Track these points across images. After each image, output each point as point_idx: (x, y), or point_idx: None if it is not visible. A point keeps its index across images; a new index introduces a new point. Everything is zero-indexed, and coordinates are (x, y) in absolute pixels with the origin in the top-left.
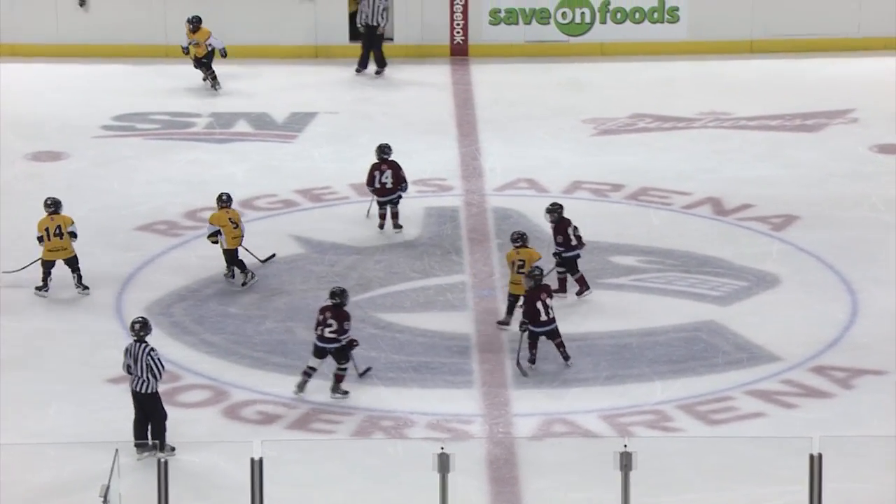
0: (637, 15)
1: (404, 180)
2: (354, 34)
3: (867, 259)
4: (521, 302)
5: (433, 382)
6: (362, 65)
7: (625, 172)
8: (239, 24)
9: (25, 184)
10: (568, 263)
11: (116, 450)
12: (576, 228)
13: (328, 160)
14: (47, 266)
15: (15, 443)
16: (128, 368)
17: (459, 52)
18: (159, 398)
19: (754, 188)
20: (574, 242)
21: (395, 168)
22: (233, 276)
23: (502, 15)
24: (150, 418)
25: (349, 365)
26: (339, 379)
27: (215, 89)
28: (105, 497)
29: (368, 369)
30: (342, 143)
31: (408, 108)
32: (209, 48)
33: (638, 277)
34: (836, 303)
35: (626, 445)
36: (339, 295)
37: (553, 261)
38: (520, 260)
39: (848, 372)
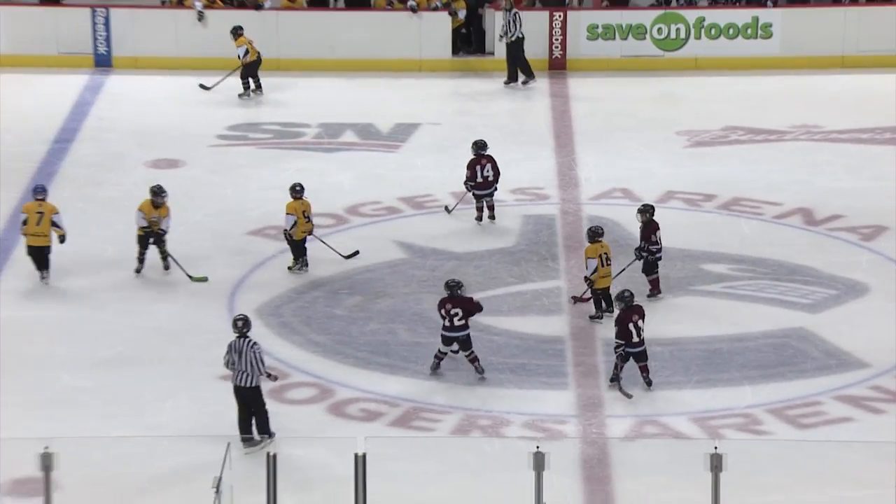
0: (731, 31)
1: (499, 173)
2: (456, 48)
3: None
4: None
5: (529, 384)
6: (512, 78)
7: (717, 183)
8: (347, 39)
9: (145, 190)
10: (649, 265)
11: (228, 443)
12: (659, 235)
13: (430, 169)
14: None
15: (134, 435)
16: (230, 364)
17: (558, 65)
18: (261, 391)
19: (844, 199)
20: (658, 246)
21: (493, 162)
22: (299, 269)
23: (600, 30)
24: (253, 411)
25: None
26: (475, 361)
27: (249, 97)
28: (217, 488)
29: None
30: (443, 153)
31: (507, 120)
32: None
33: (729, 285)
34: None
35: (716, 447)
36: (456, 285)
37: (632, 257)
38: (604, 253)
39: None
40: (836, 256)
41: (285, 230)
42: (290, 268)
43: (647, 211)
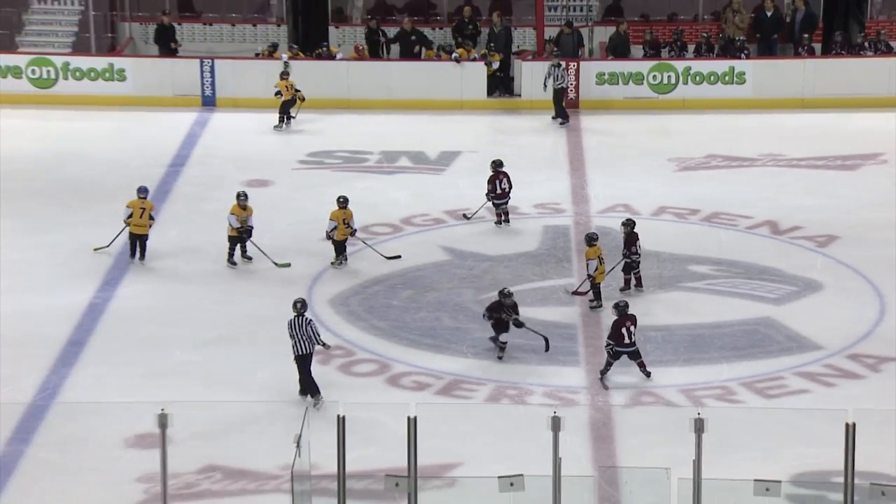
0: (712, 77)
1: (512, 186)
2: (491, 90)
3: (894, 271)
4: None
5: (548, 361)
6: (563, 116)
7: (700, 200)
8: (402, 84)
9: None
10: (627, 266)
11: (306, 407)
12: (639, 244)
13: (469, 188)
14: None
15: (231, 400)
16: (292, 337)
17: (572, 105)
18: (310, 360)
19: (803, 214)
20: (637, 252)
21: (508, 177)
22: (339, 265)
23: (606, 77)
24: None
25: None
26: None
27: (280, 129)
28: (298, 443)
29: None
30: (480, 176)
31: (532, 149)
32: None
33: (710, 282)
34: (867, 305)
35: (699, 413)
36: (510, 296)
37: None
38: (600, 255)
39: (877, 359)
40: (797, 260)
41: (326, 232)
42: (332, 263)
43: (628, 224)
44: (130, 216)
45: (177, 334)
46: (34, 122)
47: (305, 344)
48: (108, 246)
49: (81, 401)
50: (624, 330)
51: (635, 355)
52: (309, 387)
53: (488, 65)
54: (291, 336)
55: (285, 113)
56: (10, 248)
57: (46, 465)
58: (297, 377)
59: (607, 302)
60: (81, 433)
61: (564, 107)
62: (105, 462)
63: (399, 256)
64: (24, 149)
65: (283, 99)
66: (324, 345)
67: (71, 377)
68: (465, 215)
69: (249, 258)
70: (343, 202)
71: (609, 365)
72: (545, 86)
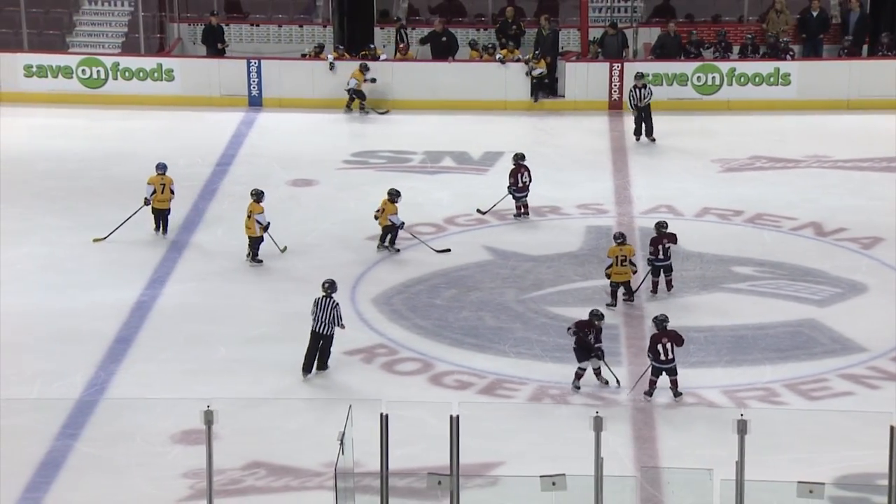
0: (757, 79)
1: (532, 179)
2: (534, 92)
3: None
4: (621, 289)
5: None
6: (642, 133)
7: (744, 201)
8: (447, 84)
9: (287, 203)
10: (656, 269)
11: (350, 405)
12: (669, 247)
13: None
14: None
15: (276, 397)
16: (313, 313)
17: (616, 106)
18: (332, 341)
19: (848, 215)
20: (662, 255)
21: (529, 170)
22: (384, 249)
23: (650, 78)
24: (321, 352)
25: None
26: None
27: (350, 110)
28: (341, 440)
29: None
30: None
31: (574, 149)
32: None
33: (754, 283)
34: None
35: (742, 414)
36: (601, 318)
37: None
38: (622, 255)
39: None
40: (841, 261)
41: (401, 223)
42: (387, 248)
43: (658, 226)
44: (153, 193)
45: (222, 332)
46: (84, 122)
47: (325, 324)
48: (105, 238)
49: (128, 397)
50: (660, 346)
51: (671, 372)
52: (321, 362)
53: (529, 73)
54: (313, 313)
55: (359, 98)
56: (60, 246)
57: (94, 461)
58: (306, 350)
59: (651, 305)
60: (128, 429)
61: (646, 122)
62: (151, 458)
63: (448, 250)
64: (74, 148)
65: (357, 87)
66: (342, 326)
67: (118, 374)
68: (478, 210)
69: (261, 261)
70: (393, 195)
71: (652, 384)
72: (632, 107)
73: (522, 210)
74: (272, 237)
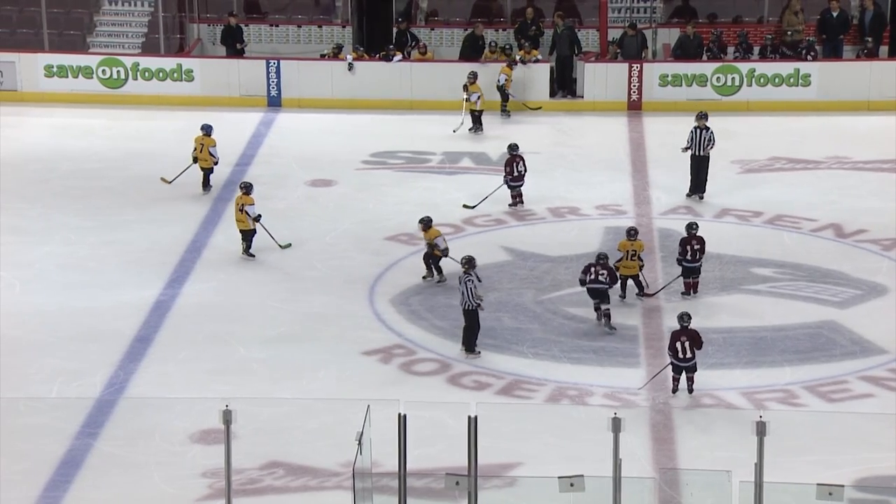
0: (777, 80)
1: (527, 169)
2: (553, 92)
3: None
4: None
5: (609, 362)
6: (693, 190)
7: (764, 202)
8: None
9: (305, 203)
10: (686, 271)
11: (368, 405)
12: (698, 249)
13: (530, 189)
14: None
15: (294, 397)
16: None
17: (635, 107)
18: (475, 315)
19: (868, 217)
20: (689, 256)
21: (524, 160)
22: (430, 279)
23: (669, 79)
24: (465, 331)
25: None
26: (607, 316)
27: (476, 132)
28: (359, 441)
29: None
30: (542, 177)
31: (593, 150)
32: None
33: (773, 285)
34: None
35: (761, 416)
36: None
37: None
38: (632, 250)
39: None
40: (862, 263)
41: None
42: (424, 277)
43: (688, 227)
44: (195, 150)
45: (241, 331)
46: (104, 122)
47: (466, 300)
48: (171, 181)
49: (148, 396)
50: (679, 344)
51: (690, 369)
52: (466, 341)
53: (512, 64)
54: (460, 291)
55: (502, 97)
56: (80, 245)
57: (113, 459)
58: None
59: (670, 305)
60: (148, 428)
61: (699, 175)
62: (170, 457)
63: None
64: (94, 147)
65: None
66: (478, 305)
67: (138, 373)
68: (465, 205)
69: (253, 255)
70: (425, 223)
71: (675, 381)
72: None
73: (518, 199)
74: (268, 231)
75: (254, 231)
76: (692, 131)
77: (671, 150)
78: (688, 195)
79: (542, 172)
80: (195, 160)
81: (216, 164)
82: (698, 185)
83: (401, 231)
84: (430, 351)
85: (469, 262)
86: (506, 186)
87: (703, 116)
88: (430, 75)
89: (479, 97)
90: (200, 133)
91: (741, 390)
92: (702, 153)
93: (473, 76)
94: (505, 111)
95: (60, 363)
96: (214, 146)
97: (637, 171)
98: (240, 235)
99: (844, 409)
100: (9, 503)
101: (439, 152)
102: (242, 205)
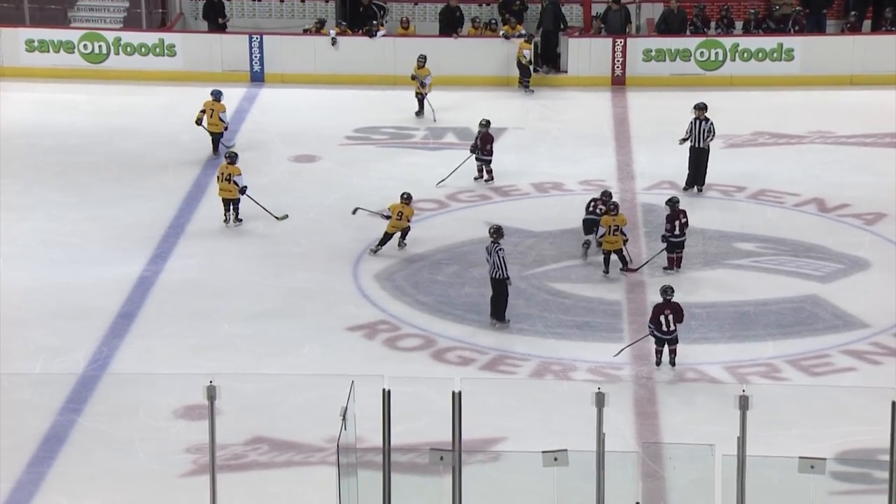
0: (760, 54)
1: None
2: (536, 67)
3: None
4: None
5: (592, 337)
6: (691, 182)
7: (747, 177)
8: (452, 60)
9: (289, 179)
10: (671, 246)
11: (352, 381)
12: (685, 223)
13: (514, 165)
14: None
15: (279, 373)
16: (487, 260)
17: (618, 82)
18: (504, 284)
19: (851, 191)
20: (678, 231)
21: (492, 137)
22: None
23: (653, 53)
24: (493, 300)
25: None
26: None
27: (421, 116)
28: (343, 416)
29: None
30: (525, 152)
31: (577, 126)
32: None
33: (756, 259)
34: None
35: (744, 390)
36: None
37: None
38: (614, 224)
39: None
40: (844, 237)
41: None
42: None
43: (670, 202)
44: (204, 113)
45: (225, 307)
46: (86, 97)
47: (495, 269)
48: (232, 145)
49: (132, 372)
50: (662, 317)
51: (672, 341)
52: (496, 312)
53: (530, 39)
54: (487, 261)
55: (522, 73)
56: (63, 222)
57: (97, 435)
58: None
59: (654, 280)
60: (131, 404)
61: (698, 168)
62: (154, 432)
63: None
64: (76, 123)
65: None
66: (507, 278)
67: (121, 349)
68: (438, 184)
69: (240, 220)
70: (406, 198)
71: (658, 353)
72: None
73: (486, 175)
74: (261, 205)
75: (238, 199)
76: (691, 122)
77: (655, 126)
78: (685, 188)
79: (526, 148)
80: (198, 122)
81: (226, 128)
82: (697, 177)
83: (385, 206)
84: (414, 326)
85: (497, 232)
86: (475, 160)
87: (701, 107)
88: (412, 50)
89: (429, 79)
90: (210, 98)
91: (724, 364)
92: (701, 145)
93: (423, 59)
94: (528, 87)
95: (44, 339)
96: (224, 111)
97: (621, 146)
98: (222, 207)
99: (827, 382)
100: None
101: (423, 127)
102: (229, 174)
